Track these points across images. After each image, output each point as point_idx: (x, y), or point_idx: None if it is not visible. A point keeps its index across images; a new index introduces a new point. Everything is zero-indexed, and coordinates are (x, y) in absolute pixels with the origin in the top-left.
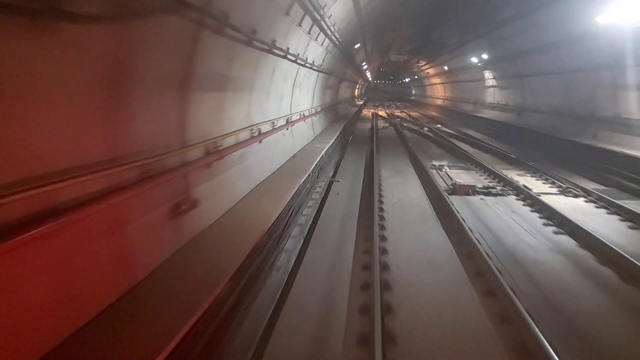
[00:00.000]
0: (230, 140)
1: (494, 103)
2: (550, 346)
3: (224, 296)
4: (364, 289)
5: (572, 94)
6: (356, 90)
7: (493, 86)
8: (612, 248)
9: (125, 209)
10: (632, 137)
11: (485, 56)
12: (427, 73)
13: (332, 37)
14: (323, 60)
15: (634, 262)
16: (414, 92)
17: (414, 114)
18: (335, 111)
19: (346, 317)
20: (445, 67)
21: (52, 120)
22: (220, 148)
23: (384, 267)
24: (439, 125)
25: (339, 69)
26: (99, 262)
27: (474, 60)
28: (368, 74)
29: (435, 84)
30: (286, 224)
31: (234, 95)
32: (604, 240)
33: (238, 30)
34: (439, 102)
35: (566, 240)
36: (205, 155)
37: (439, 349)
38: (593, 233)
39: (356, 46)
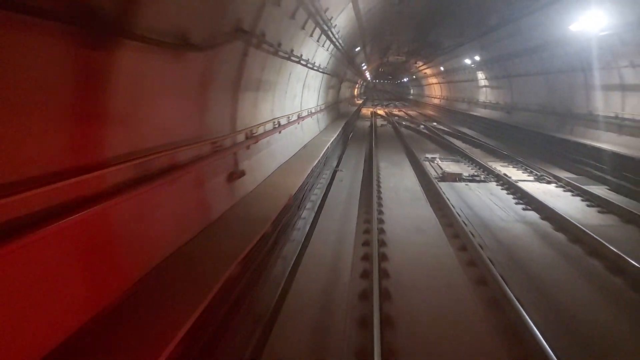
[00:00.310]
0: (260, 130)
1: (486, 102)
2: (502, 278)
3: (268, 234)
4: (365, 245)
5: (553, 94)
6: (355, 89)
7: (485, 86)
8: (566, 219)
9: (203, 172)
10: (601, 131)
11: (477, 58)
12: (425, 73)
13: (336, 43)
14: (327, 63)
15: (580, 228)
16: (412, 91)
17: (411, 112)
18: (336, 109)
19: (351, 262)
20: (442, 68)
21: (174, 108)
22: (255, 135)
23: (381, 231)
24: (435, 123)
25: (341, 70)
26: (193, 204)
27: (468, 61)
28: (367, 74)
29: (432, 83)
30: (303, 196)
31: (264, 94)
32: (561, 214)
33: (270, 45)
34: (436, 101)
35: (531, 214)
36: (246, 139)
37: (421, 281)
38: (554, 209)
39: (357, 49)
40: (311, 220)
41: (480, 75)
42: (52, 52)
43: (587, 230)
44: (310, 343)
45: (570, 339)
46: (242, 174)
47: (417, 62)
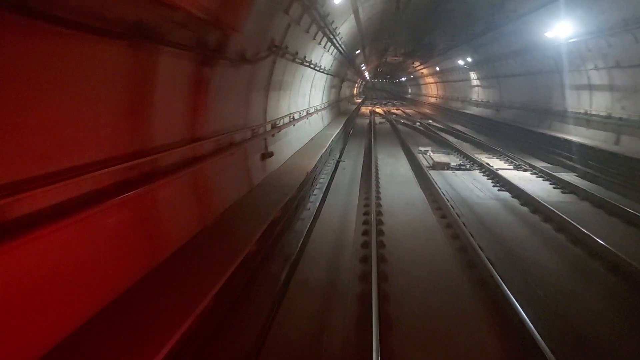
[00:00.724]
0: (281, 122)
1: (478, 100)
2: (471, 235)
3: (293, 198)
4: (366, 215)
5: (535, 93)
6: (355, 89)
7: (477, 85)
8: (532, 197)
9: (247, 150)
10: (573, 126)
11: (469, 59)
12: (422, 73)
13: (339, 48)
14: (331, 65)
15: (542, 203)
16: (410, 90)
17: (409, 111)
18: (338, 108)
19: (354, 227)
20: (437, 68)
21: (232, 103)
22: (278, 125)
23: (378, 204)
24: (430, 121)
25: (342, 71)
26: (243, 172)
27: (461, 62)
28: (366, 74)
29: (429, 83)
30: (315, 176)
31: (283, 93)
32: (529, 193)
33: (290, 54)
34: (433, 100)
35: (504, 194)
36: (272, 128)
37: (408, 236)
38: (524, 190)
39: (357, 52)
40: (321, 196)
41: (473, 75)
42: (184, 68)
43: (546, 205)
44: (326, 271)
45: (513, 268)
46: (271, 154)
47: (414, 63)
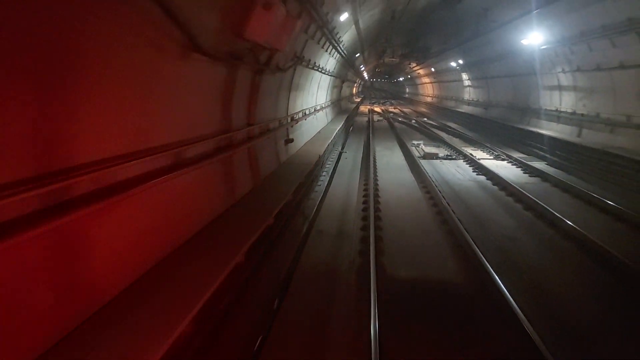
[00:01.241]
0: (297, 116)
1: (469, 100)
2: (448, 204)
3: (310, 172)
4: (366, 190)
5: (517, 92)
6: (354, 88)
7: (468, 86)
8: (503, 179)
9: (276, 136)
10: (547, 122)
11: (461, 61)
12: (418, 73)
13: (341, 53)
14: (334, 68)
15: (509, 183)
16: (407, 90)
17: (406, 110)
18: (339, 106)
19: (356, 198)
20: (432, 69)
21: (268, 101)
22: (295, 118)
23: (375, 184)
24: (425, 119)
25: (343, 72)
26: (273, 152)
27: (453, 64)
28: (365, 74)
29: (425, 83)
30: (324, 160)
31: (299, 93)
32: (501, 176)
33: (305, 61)
34: (429, 99)
35: (481, 177)
36: (291, 120)
37: (399, 206)
38: (498, 174)
39: (356, 55)
40: (328, 178)
41: (464, 76)
42: (247, 77)
43: (513, 184)
44: (336, 225)
45: (475, 224)
46: (292, 140)
47: (411, 64)
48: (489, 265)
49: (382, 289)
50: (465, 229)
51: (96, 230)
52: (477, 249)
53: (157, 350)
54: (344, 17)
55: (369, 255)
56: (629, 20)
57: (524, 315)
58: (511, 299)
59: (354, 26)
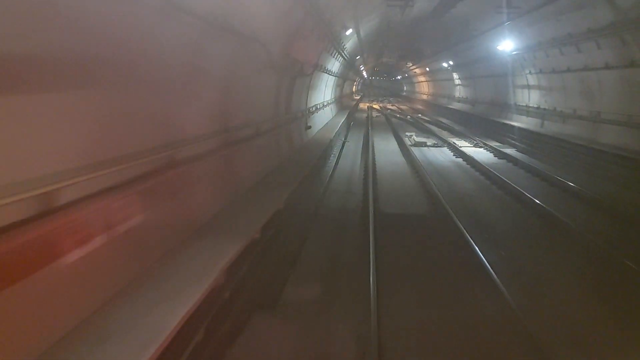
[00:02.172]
0: (312, 109)
1: (459, 97)
2: (433, 184)
3: (325, 149)
4: (365, 167)
5: (498, 91)
6: (354, 87)
7: (459, 84)
8: (475, 160)
9: (299, 123)
10: (519, 115)
11: (451, 62)
12: (415, 72)
13: (345, 57)
14: (338, 69)
15: (479, 163)
16: (405, 88)
17: (403, 107)
18: (341, 103)
19: (359, 172)
20: (427, 69)
21: (296, 98)
22: (311, 111)
23: (373, 163)
24: (420, 115)
25: (345, 73)
26: (297, 134)
27: (445, 64)
28: (364, 73)
29: (422, 81)
30: (333, 143)
31: (314, 91)
32: (474, 158)
33: (320, 67)
34: (425, 97)
35: (459, 159)
36: (309, 112)
37: (392, 176)
38: (472, 157)
39: (357, 57)
40: (336, 159)
41: (455, 75)
42: (286, 80)
43: (482, 164)
44: (345, 187)
45: (447, 187)
46: (310, 127)
47: (408, 63)
48: (448, 207)
49: (377, 215)
50: (437, 190)
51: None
52: (442, 199)
53: (258, 224)
54: (349, 32)
55: (369, 200)
56: (569, 36)
57: (465, 229)
58: (460, 224)
59: (355, 35)
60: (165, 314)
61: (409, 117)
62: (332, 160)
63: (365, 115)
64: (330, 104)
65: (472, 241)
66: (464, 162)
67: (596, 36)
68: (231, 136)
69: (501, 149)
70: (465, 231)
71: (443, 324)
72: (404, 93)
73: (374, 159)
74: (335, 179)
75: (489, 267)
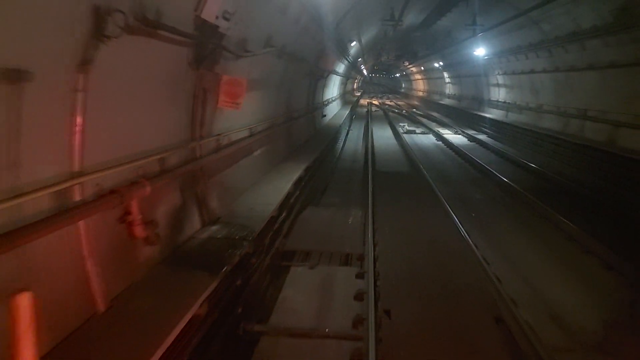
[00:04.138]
0: (325, 103)
1: (449, 94)
2: (415, 157)
3: (335, 133)
4: (365, 148)
5: (477, 88)
6: (355, 84)
7: (448, 82)
8: (452, 143)
9: (316, 114)
10: (492, 109)
11: (441, 63)
12: (412, 70)
13: (349, 60)
14: (343, 71)
15: (455, 145)
16: (403, 85)
17: (400, 103)
18: (344, 98)
19: (361, 150)
20: (422, 67)
21: (317, 93)
22: (325, 104)
23: (372, 145)
24: (414, 110)
25: (348, 72)
26: (316, 121)
27: (437, 65)
28: (364, 71)
29: (418, 79)
30: (341, 128)
31: (327, 89)
32: (451, 141)
33: (333, 72)
34: (420, 94)
35: (439, 142)
36: (322, 105)
37: (385, 154)
38: (451, 141)
39: (358, 59)
40: (343, 142)
41: (445, 74)
42: (307, 82)
43: (457, 146)
44: (352, 157)
45: (426, 160)
46: (325, 115)
47: (405, 62)
48: (424, 170)
49: (374, 171)
50: (418, 160)
51: None
52: (420, 165)
53: (295, 177)
54: (354, 43)
55: (369, 164)
56: (519, 47)
57: (431, 179)
58: (428, 176)
59: (357, 43)
60: (283, 182)
61: (404, 111)
62: (341, 140)
63: (365, 110)
64: (337, 99)
65: (432, 183)
66: (442, 144)
67: (535, 49)
68: (290, 116)
69: (473, 135)
70: (430, 179)
71: (409, 216)
72: (402, 90)
73: (372, 140)
74: (345, 152)
75: (439, 193)
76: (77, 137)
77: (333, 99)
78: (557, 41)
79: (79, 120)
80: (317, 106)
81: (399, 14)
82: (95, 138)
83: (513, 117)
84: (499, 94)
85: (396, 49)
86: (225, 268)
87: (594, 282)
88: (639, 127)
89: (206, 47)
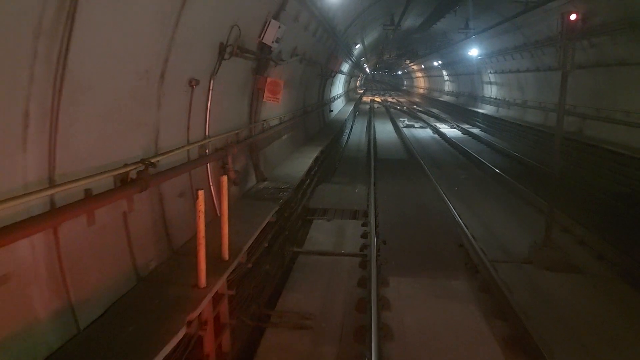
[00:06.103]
0: (332, 99)
1: (448, 91)
2: (411, 143)
3: (341, 126)
4: (369, 139)
5: (472, 86)
6: (358, 82)
7: (447, 80)
8: (447, 136)
9: (324, 109)
10: (485, 105)
11: (440, 62)
12: (413, 68)
13: (353, 60)
14: (347, 70)
15: (449, 137)
16: (405, 83)
17: (401, 100)
18: (348, 95)
19: (364, 141)
20: (422, 66)
21: (326, 90)
22: (332, 101)
23: (374, 138)
24: (414, 106)
25: (351, 71)
26: (325, 115)
27: (436, 63)
28: (367, 69)
29: (419, 77)
30: (346, 122)
31: (333, 87)
32: (447, 135)
33: (340, 71)
34: (421, 91)
35: (435, 135)
36: (330, 101)
37: (387, 144)
38: (446, 134)
39: (362, 59)
40: (348, 134)
41: (444, 72)
42: (318, 81)
43: (450, 138)
44: (356, 147)
45: (422, 150)
46: (332, 110)
47: (406, 61)
48: (419, 157)
49: (376, 158)
50: (415, 150)
51: None
52: (416, 153)
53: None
54: (358, 46)
55: (371, 152)
56: (506, 49)
57: (424, 164)
58: (422, 162)
59: (361, 45)
60: (305, 159)
61: (405, 108)
62: (347, 133)
63: (368, 107)
64: (342, 96)
65: (425, 167)
66: (438, 136)
67: (519, 50)
68: (305, 110)
69: (467, 128)
70: (424, 164)
71: (404, 189)
72: (404, 87)
73: (374, 133)
74: (350, 143)
75: (430, 174)
76: (208, 117)
77: (339, 95)
78: (537, 44)
79: (208, 106)
80: (325, 102)
81: (399, 19)
82: (213, 117)
83: (503, 112)
84: (491, 91)
85: (397, 48)
86: (281, 200)
87: (537, 228)
88: (601, 119)
89: (262, 60)
